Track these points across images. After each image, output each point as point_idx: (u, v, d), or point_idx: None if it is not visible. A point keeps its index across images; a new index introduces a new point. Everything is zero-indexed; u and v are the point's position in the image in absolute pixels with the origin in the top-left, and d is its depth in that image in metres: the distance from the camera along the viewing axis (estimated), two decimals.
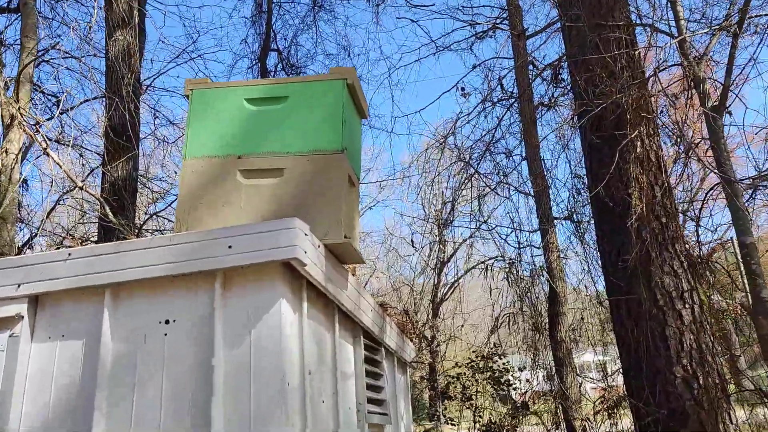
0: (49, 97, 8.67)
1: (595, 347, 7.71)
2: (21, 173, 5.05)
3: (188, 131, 2.22)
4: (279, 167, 2.13)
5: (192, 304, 1.82)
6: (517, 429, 6.86)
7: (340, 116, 2.16)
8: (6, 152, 4.80)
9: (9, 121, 4.80)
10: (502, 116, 6.67)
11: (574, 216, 7.12)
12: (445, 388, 7.26)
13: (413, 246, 7.12)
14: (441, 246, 8.06)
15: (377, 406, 2.81)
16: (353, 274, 2.33)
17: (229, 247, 1.79)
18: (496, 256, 7.28)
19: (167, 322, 1.82)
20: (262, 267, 1.81)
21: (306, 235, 1.83)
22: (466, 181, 6.65)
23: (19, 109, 4.67)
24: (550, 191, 7.11)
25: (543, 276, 6.82)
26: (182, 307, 1.83)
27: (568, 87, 6.40)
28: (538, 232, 7.18)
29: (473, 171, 6.87)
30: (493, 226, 6.98)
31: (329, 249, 2.06)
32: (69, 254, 1.86)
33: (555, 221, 7.13)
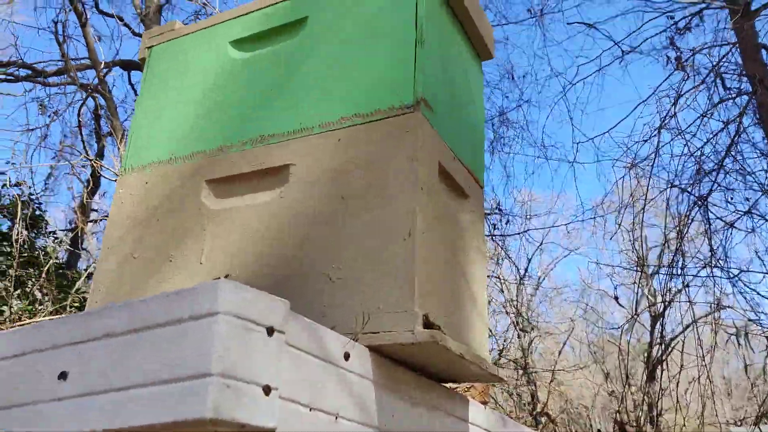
0: None
1: None
2: None
3: (133, 125, 1.14)
4: (279, 164, 0.93)
5: None
6: None
7: (412, 32, 0.92)
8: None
9: None
10: (738, 117, 4.69)
11: None
12: None
13: (618, 302, 5.33)
14: (651, 298, 6.04)
15: None
16: (483, 402, 1.00)
17: (61, 376, 0.61)
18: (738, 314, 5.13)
19: None
20: None
21: (271, 333, 0.59)
22: (688, 212, 4.75)
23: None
24: None
25: None
26: None
27: None
28: None
29: (695, 199, 4.97)
30: (737, 270, 4.90)
31: (389, 355, 0.78)
32: None
33: None
